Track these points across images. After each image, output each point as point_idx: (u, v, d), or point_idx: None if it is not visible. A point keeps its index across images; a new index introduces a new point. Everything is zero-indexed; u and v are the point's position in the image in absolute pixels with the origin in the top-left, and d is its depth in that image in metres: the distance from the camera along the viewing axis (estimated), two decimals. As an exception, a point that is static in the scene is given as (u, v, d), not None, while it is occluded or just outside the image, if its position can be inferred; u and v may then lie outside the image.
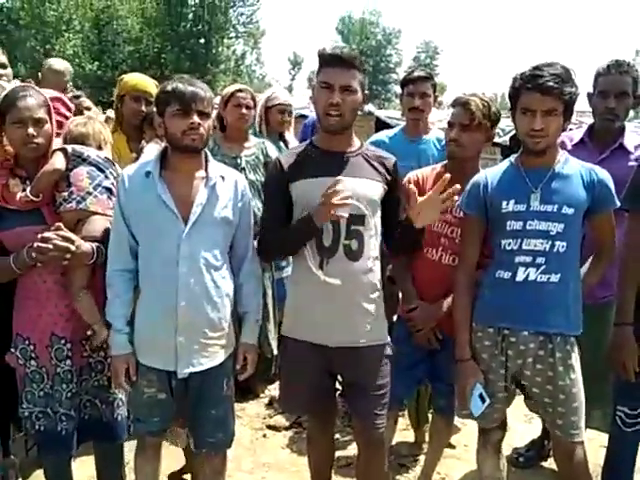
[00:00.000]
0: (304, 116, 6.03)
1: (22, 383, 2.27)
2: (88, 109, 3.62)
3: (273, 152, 3.54)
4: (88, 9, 26.44)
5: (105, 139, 2.47)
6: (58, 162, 2.19)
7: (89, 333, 2.25)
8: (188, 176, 2.16)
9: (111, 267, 2.18)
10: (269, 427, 3.51)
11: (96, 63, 25.31)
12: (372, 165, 2.25)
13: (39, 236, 2.08)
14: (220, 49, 30.67)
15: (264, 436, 3.43)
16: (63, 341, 2.23)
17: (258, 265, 2.39)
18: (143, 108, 3.10)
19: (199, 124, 2.07)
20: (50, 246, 2.07)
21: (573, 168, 2.19)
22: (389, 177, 2.27)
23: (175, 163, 2.17)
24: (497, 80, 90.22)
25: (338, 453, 2.90)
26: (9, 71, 3.28)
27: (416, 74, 3.20)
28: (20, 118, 2.12)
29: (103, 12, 27.10)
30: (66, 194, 2.21)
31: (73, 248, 2.10)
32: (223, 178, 2.22)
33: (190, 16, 29.78)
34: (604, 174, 2.18)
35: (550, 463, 3.10)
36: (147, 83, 3.18)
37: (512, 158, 2.30)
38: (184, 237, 2.10)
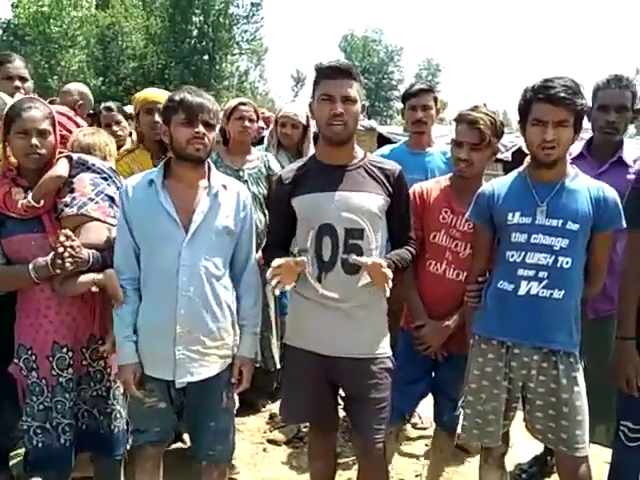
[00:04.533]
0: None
1: (23, 395, 2.26)
2: (118, 123, 3.60)
3: (276, 165, 3.55)
4: (93, 25, 26.72)
5: (110, 152, 2.49)
6: (61, 168, 2.21)
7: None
8: (191, 185, 2.18)
9: (118, 276, 2.18)
10: (270, 441, 3.48)
11: (100, 78, 25.54)
12: (373, 177, 2.24)
13: (67, 244, 2.07)
14: (224, 65, 30.95)
15: (264, 450, 3.40)
16: (65, 349, 2.23)
17: (258, 277, 2.39)
18: (157, 118, 2.96)
19: (204, 134, 2.10)
20: (68, 253, 2.07)
21: (581, 184, 2.18)
22: (392, 188, 2.25)
23: (178, 172, 2.19)
24: (498, 97, 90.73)
25: (340, 472, 2.88)
26: (29, 85, 3.28)
27: (417, 87, 3.23)
28: (24, 129, 2.14)
29: (108, 28, 27.39)
30: (68, 199, 2.22)
31: (85, 257, 2.13)
32: (225, 187, 2.23)
33: (194, 33, 30.09)
34: (612, 193, 2.16)
35: (554, 479, 3.06)
36: (157, 94, 3.16)
37: (520, 169, 2.30)
38: (185, 245, 2.11)
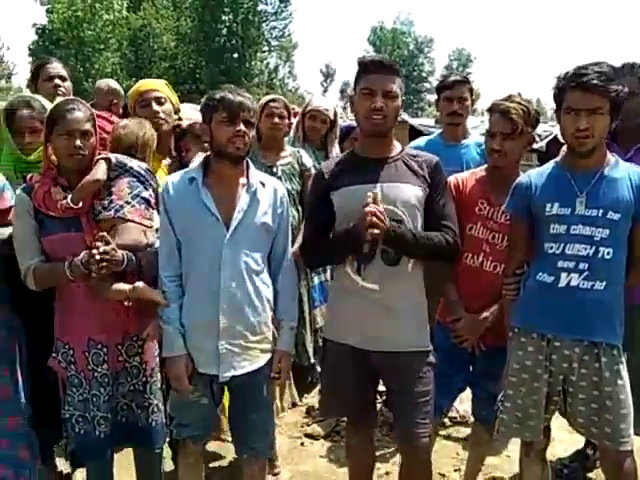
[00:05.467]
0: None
1: (64, 387, 2.33)
2: None
3: (308, 161, 3.55)
4: (125, 28, 27.17)
5: (152, 144, 2.52)
6: (100, 172, 2.25)
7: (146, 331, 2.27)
8: (230, 183, 2.22)
9: (162, 273, 2.23)
10: (307, 435, 3.50)
11: (133, 79, 25.95)
12: (411, 169, 2.24)
13: (101, 249, 2.11)
14: (253, 63, 31.16)
15: (302, 444, 3.42)
16: (100, 345, 2.27)
17: (295, 272, 2.42)
18: (155, 108, 2.78)
19: (244, 132, 2.14)
20: (113, 262, 2.12)
21: (622, 171, 2.13)
22: (430, 179, 2.25)
23: (218, 170, 2.22)
24: (532, 86, 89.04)
25: (378, 464, 2.88)
26: (68, 84, 3.36)
27: (452, 78, 3.21)
28: (68, 130, 2.19)
29: (140, 30, 27.83)
30: (106, 202, 2.26)
31: (120, 258, 2.16)
32: (263, 185, 2.27)
33: (224, 31, 30.35)
34: None
35: (596, 474, 3.01)
36: (148, 82, 2.98)
37: (558, 159, 2.26)
38: (226, 242, 2.15)
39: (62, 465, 2.86)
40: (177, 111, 2.94)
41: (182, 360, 2.19)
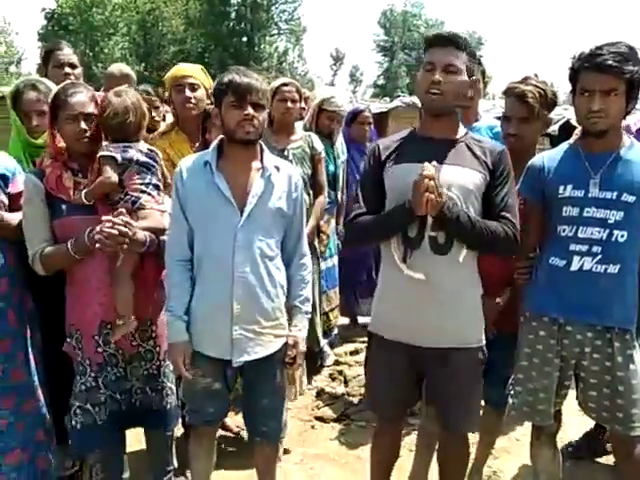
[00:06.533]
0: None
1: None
2: (156, 108, 3.62)
3: (319, 145, 3.57)
4: (134, 12, 27.09)
5: (144, 113, 2.40)
6: (111, 174, 2.25)
7: (119, 322, 2.26)
8: (244, 167, 2.19)
9: (170, 257, 2.22)
10: (317, 419, 3.52)
11: (142, 64, 25.93)
12: (474, 154, 2.09)
13: (103, 218, 2.14)
14: (262, 47, 31.03)
15: (312, 427, 3.45)
16: (110, 325, 2.27)
17: (309, 258, 2.39)
18: (188, 94, 2.89)
19: (253, 116, 2.09)
20: (115, 232, 2.12)
21: (637, 153, 2.09)
22: (492, 167, 2.08)
23: (231, 154, 2.19)
24: (545, 68, 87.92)
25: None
26: (79, 71, 3.34)
27: None
28: (72, 114, 2.19)
29: (149, 14, 27.74)
30: (122, 195, 2.28)
31: (131, 233, 2.16)
32: (278, 169, 2.23)
33: (233, 15, 30.21)
34: None
35: (607, 459, 3.01)
36: (185, 67, 3.05)
37: (571, 141, 2.23)
38: (240, 226, 2.13)
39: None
40: (210, 96, 2.95)
41: (179, 346, 2.18)
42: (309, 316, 2.39)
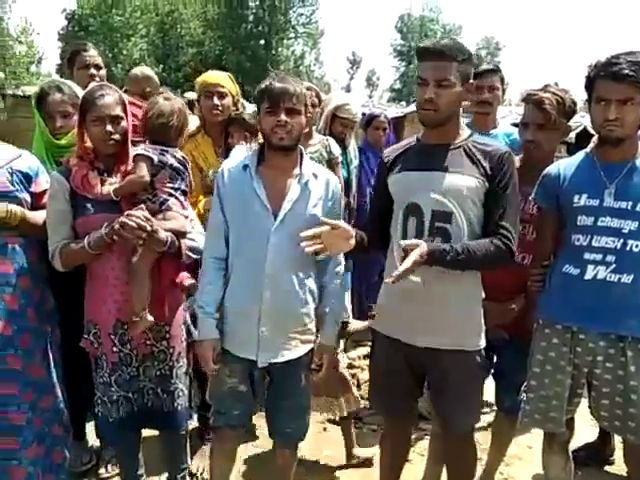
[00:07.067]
0: (363, 114, 6.05)
1: (96, 367, 2.38)
2: None
3: (336, 149, 3.61)
4: (153, 13, 27.31)
5: (187, 121, 2.49)
6: (145, 173, 2.30)
7: (135, 319, 2.27)
8: (282, 172, 2.21)
9: (206, 255, 2.26)
10: (329, 421, 3.53)
11: (161, 66, 26.12)
12: (472, 158, 2.09)
13: (125, 213, 2.18)
14: (280, 50, 31.08)
15: (325, 430, 3.47)
16: (126, 326, 2.31)
17: (342, 266, 2.38)
18: (216, 101, 3.02)
19: (286, 122, 2.10)
20: (133, 223, 2.15)
21: None
22: (492, 171, 2.07)
23: (270, 159, 2.22)
24: (563, 76, 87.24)
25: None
26: (103, 72, 3.40)
27: (483, 67, 3.20)
28: (98, 116, 2.24)
29: (167, 16, 27.94)
30: (149, 195, 2.33)
31: (149, 228, 2.19)
32: (316, 176, 2.25)
33: (250, 18, 30.30)
34: None
35: (619, 469, 3.00)
36: (215, 76, 3.15)
37: (588, 150, 2.24)
38: (273, 231, 2.15)
39: (93, 441, 2.95)
40: (235, 103, 3.14)
41: (209, 343, 2.21)
42: (339, 324, 2.39)
